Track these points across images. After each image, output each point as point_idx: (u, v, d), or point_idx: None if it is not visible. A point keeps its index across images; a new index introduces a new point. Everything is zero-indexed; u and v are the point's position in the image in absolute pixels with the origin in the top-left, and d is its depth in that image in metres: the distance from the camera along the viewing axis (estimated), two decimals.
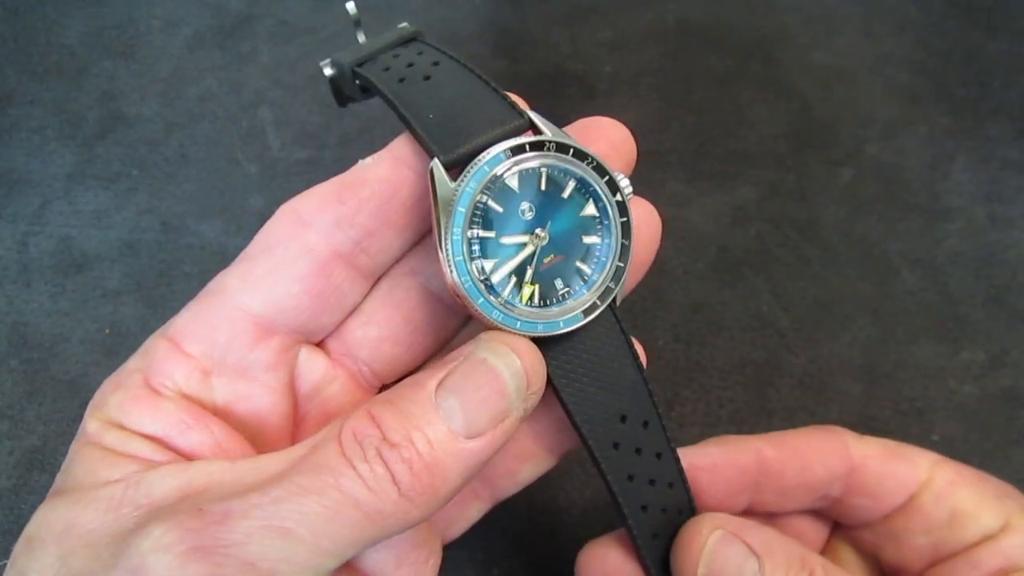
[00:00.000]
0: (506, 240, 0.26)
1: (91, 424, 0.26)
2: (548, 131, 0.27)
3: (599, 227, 0.27)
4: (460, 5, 0.63)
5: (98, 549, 0.22)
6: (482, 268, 0.26)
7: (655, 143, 0.55)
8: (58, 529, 0.23)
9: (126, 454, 0.25)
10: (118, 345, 0.48)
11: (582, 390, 0.27)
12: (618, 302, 0.28)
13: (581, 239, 0.27)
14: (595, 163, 0.27)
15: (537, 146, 0.26)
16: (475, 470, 0.24)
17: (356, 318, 0.29)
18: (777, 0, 0.63)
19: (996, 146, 0.55)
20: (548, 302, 0.26)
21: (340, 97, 0.31)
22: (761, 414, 0.45)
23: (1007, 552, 0.29)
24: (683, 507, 0.30)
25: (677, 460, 0.29)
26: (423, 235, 0.29)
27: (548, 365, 0.26)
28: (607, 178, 0.27)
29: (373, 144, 0.30)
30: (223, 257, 0.51)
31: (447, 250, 0.25)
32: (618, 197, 0.27)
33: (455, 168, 0.26)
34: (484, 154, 0.26)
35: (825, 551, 0.34)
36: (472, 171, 0.25)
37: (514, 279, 0.26)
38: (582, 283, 0.27)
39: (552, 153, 0.26)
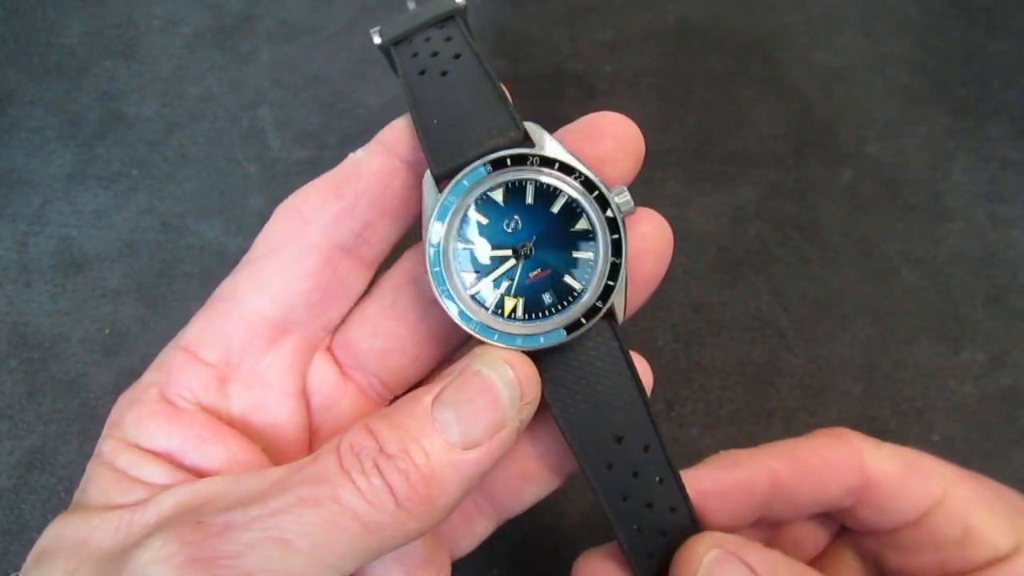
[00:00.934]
0: (489, 253, 0.26)
1: (106, 444, 0.26)
2: (541, 143, 0.26)
3: (589, 243, 0.27)
4: None
5: (103, 564, 0.22)
6: (463, 280, 0.26)
7: (655, 143, 0.55)
8: (69, 545, 0.23)
9: (137, 479, 0.25)
10: (118, 345, 0.48)
11: (574, 406, 0.27)
12: (620, 319, 0.27)
13: (570, 254, 0.26)
14: (583, 178, 0.26)
15: (519, 160, 0.26)
16: (473, 481, 0.24)
17: (363, 329, 0.30)
18: (777, 0, 0.63)
19: (996, 146, 0.55)
20: (532, 316, 0.26)
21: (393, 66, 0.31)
22: (761, 414, 0.45)
23: (1017, 575, 0.28)
24: (686, 531, 0.28)
25: (681, 487, 0.28)
26: (418, 219, 0.30)
27: (543, 379, 0.26)
28: (596, 193, 0.26)
29: None
30: (223, 257, 0.51)
31: (426, 261, 0.26)
32: (608, 213, 0.26)
33: (445, 180, 0.26)
34: (467, 168, 0.26)
35: (826, 553, 0.34)
36: (452, 184, 0.26)
37: (497, 292, 0.26)
38: (571, 299, 0.26)
39: (534, 167, 0.26)
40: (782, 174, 0.54)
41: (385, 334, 0.30)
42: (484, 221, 0.26)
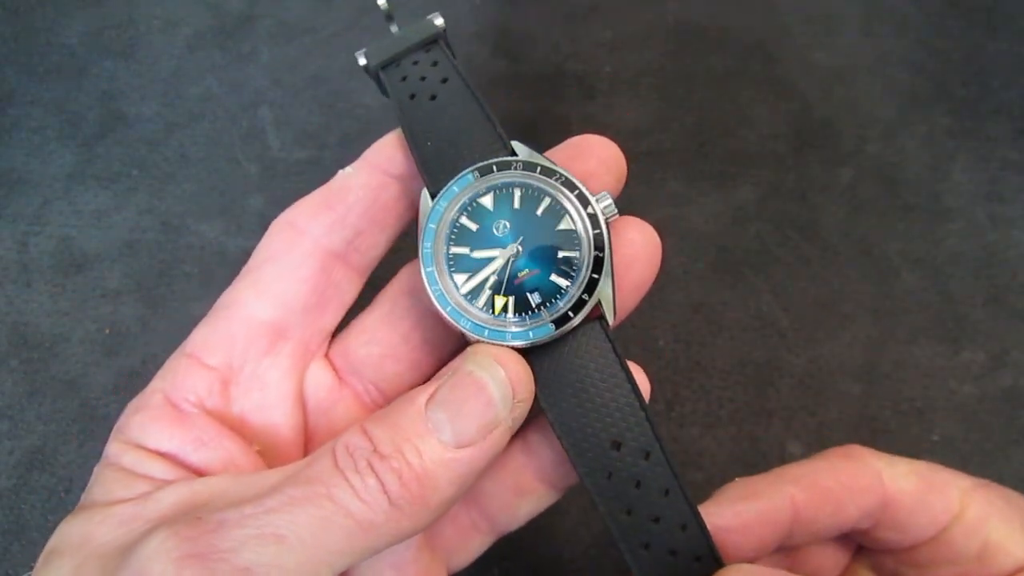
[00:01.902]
0: (478, 254, 0.28)
1: (112, 447, 0.27)
2: (521, 154, 0.28)
3: (573, 240, 0.28)
4: (460, 5, 0.63)
5: (106, 560, 0.23)
6: (455, 281, 0.28)
7: (655, 143, 0.55)
8: (75, 543, 0.24)
9: (141, 474, 0.26)
10: (118, 345, 0.48)
11: (569, 410, 0.27)
12: (611, 321, 0.28)
13: (557, 253, 0.28)
14: (563, 178, 0.28)
15: (504, 165, 0.28)
16: (466, 480, 0.24)
17: (359, 337, 0.31)
18: (777, 0, 0.63)
19: (996, 146, 0.55)
20: (522, 314, 0.27)
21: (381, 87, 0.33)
22: (761, 414, 0.45)
23: None
24: (702, 554, 0.27)
25: (689, 500, 0.27)
26: (405, 229, 0.31)
27: (538, 383, 0.27)
28: (576, 192, 0.27)
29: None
30: (223, 257, 0.51)
31: (420, 264, 0.27)
32: (589, 210, 0.27)
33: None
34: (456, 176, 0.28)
35: (843, 573, 0.33)
36: (443, 192, 0.28)
37: (487, 291, 0.27)
38: (559, 296, 0.27)
39: (519, 171, 0.28)
40: (782, 174, 0.54)
41: (381, 341, 0.31)
42: (474, 226, 0.28)
